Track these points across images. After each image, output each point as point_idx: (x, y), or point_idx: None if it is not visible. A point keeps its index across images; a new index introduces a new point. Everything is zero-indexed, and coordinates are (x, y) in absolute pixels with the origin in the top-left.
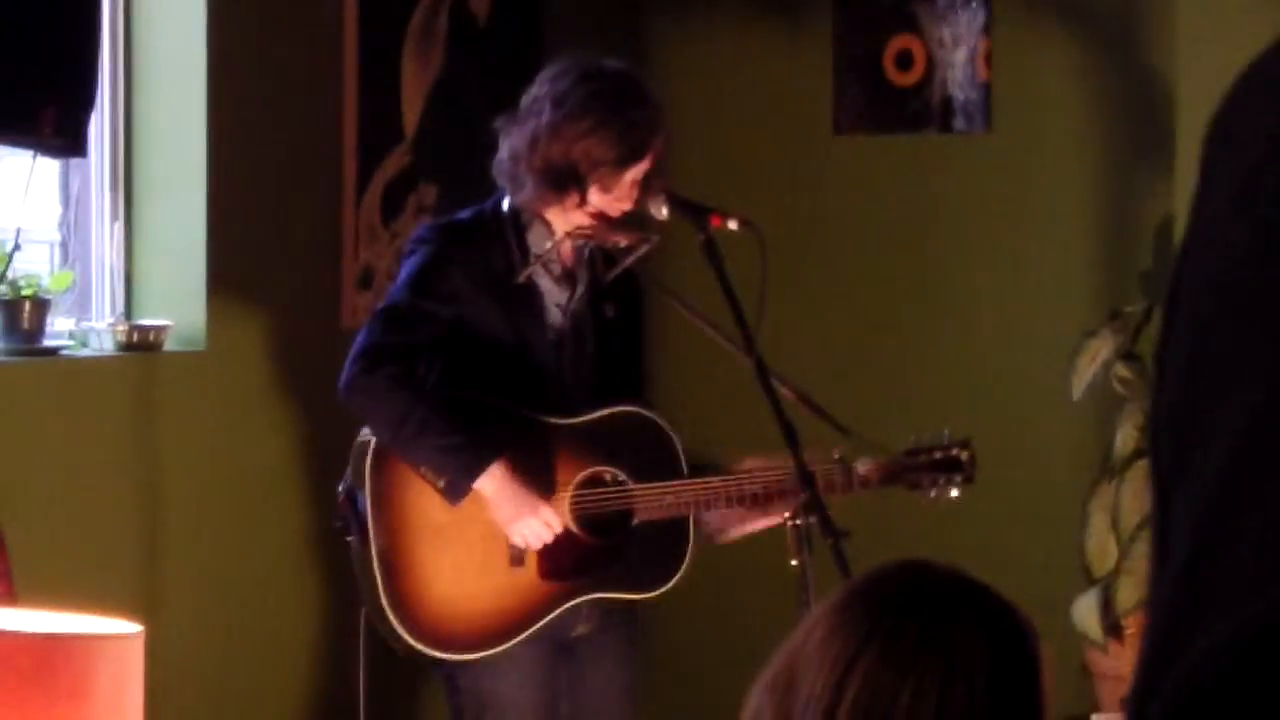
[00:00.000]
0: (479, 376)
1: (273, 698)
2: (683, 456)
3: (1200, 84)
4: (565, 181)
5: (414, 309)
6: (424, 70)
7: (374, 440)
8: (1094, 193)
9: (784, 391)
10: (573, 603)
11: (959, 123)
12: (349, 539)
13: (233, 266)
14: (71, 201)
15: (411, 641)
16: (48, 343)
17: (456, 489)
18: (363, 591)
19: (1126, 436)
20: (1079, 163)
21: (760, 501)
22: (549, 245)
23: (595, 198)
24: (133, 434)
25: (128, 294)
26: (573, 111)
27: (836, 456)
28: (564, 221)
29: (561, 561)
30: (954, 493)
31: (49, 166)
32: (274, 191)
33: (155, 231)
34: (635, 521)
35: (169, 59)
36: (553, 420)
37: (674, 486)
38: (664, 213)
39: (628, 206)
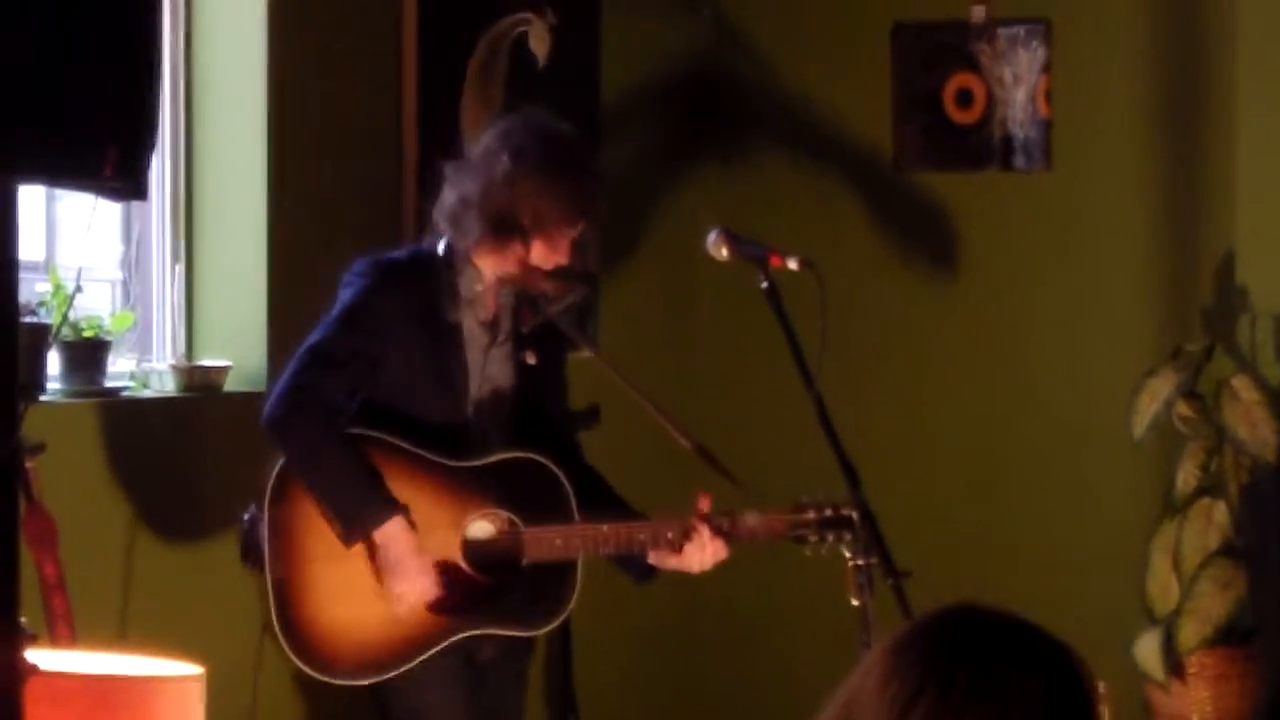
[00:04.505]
0: (395, 413)
1: None
2: (574, 502)
3: (1261, 121)
4: (511, 232)
5: (342, 347)
6: (484, 109)
7: (275, 471)
8: (1155, 230)
9: (682, 442)
10: (458, 637)
11: (1019, 161)
12: (249, 566)
13: (293, 307)
14: (133, 241)
15: (301, 665)
16: (109, 383)
17: (352, 536)
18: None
19: (1188, 475)
20: (1140, 200)
21: (653, 548)
22: (479, 289)
23: (537, 252)
24: (193, 474)
25: (188, 334)
26: (532, 166)
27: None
28: (495, 268)
29: (451, 597)
30: (846, 552)
31: (110, 207)
32: (335, 232)
33: (216, 272)
34: (524, 562)
35: (229, 100)
36: (452, 463)
37: (562, 530)
38: (724, 254)
39: (564, 262)
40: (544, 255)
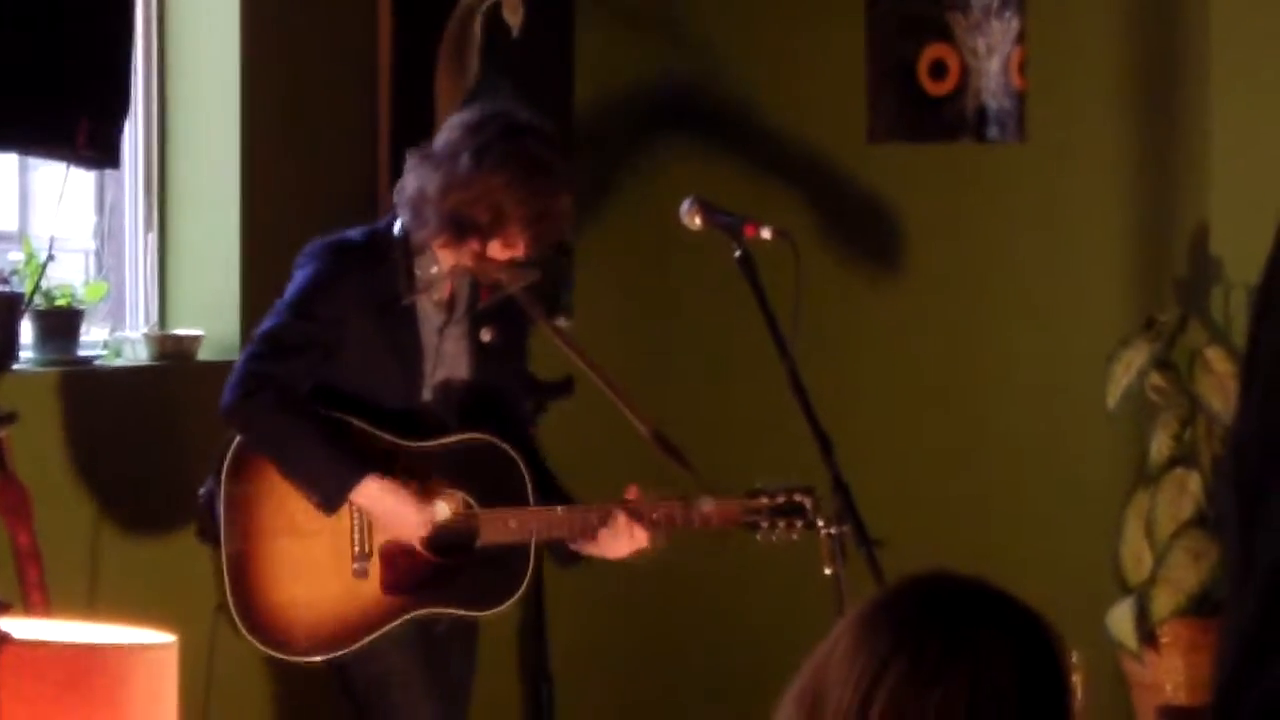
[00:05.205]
0: (350, 395)
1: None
2: (530, 485)
3: (1236, 92)
4: (468, 231)
5: (295, 333)
6: (458, 79)
7: (234, 446)
8: (1128, 201)
9: (640, 428)
10: (410, 616)
11: (993, 132)
12: (205, 541)
13: (266, 276)
14: (106, 211)
15: (253, 641)
16: (82, 353)
17: (332, 504)
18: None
19: (1161, 444)
20: (1113, 171)
21: (604, 532)
22: (434, 270)
23: (493, 247)
24: (166, 443)
25: (161, 303)
26: (491, 168)
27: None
28: (450, 259)
29: (405, 576)
30: (794, 537)
31: (84, 175)
32: (307, 201)
33: (189, 241)
34: (479, 544)
35: (203, 69)
36: (408, 444)
37: (518, 513)
38: (698, 223)
39: (520, 255)
40: (500, 250)
